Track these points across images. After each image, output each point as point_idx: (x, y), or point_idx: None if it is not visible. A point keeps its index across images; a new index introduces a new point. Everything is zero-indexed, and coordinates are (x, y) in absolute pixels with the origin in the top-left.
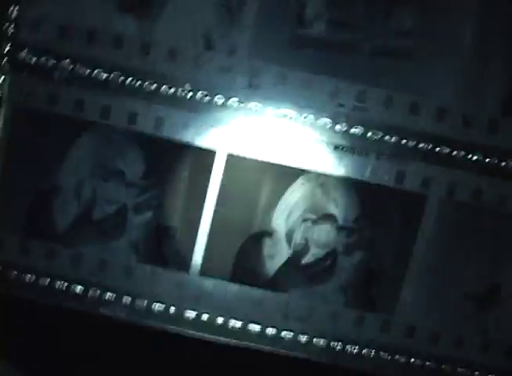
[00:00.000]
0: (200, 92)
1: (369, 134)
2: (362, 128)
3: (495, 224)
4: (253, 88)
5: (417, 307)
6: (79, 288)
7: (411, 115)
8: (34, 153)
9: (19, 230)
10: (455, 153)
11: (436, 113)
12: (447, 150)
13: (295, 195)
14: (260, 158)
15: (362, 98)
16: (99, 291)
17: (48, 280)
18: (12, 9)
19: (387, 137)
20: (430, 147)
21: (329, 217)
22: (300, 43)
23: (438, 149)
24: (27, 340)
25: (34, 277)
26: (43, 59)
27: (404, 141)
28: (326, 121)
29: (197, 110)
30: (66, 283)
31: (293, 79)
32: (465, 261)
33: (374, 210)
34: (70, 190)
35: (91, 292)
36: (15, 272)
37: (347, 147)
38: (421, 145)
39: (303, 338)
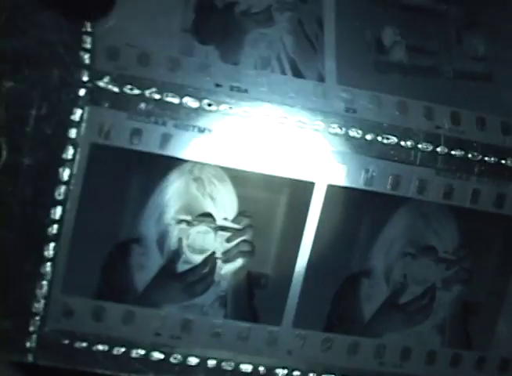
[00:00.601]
0: None
1: (469, 156)
2: (461, 151)
3: None
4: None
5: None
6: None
7: (504, 135)
8: (113, 198)
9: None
10: None
11: None
12: None
13: (396, 227)
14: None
15: (457, 119)
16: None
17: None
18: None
19: (486, 158)
20: None
21: (430, 249)
22: (386, 68)
23: None
24: None
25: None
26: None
27: (503, 161)
28: (426, 144)
29: None
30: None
31: (387, 103)
32: None
33: (473, 238)
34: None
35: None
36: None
37: (450, 171)
38: None
39: None
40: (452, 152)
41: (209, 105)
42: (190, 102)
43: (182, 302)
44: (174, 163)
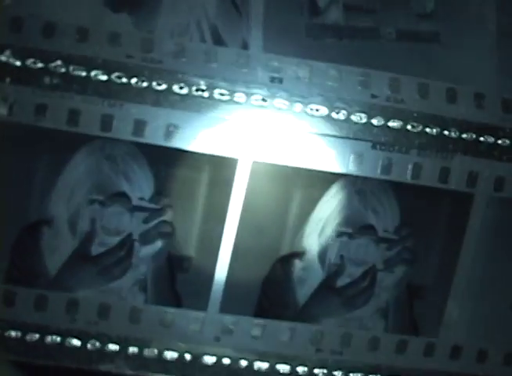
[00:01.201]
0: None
1: (409, 127)
2: (400, 122)
3: None
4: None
5: (463, 325)
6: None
7: (449, 104)
8: (20, 178)
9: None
10: (499, 142)
11: (474, 99)
12: (491, 140)
13: (329, 206)
14: (287, 163)
15: (397, 87)
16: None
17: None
18: None
19: (427, 129)
20: (473, 137)
21: (368, 229)
22: (318, 32)
23: (481, 138)
24: None
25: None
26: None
27: (446, 132)
28: (360, 115)
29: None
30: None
31: (317, 71)
32: None
33: (416, 216)
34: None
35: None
36: None
37: (386, 144)
38: (464, 135)
39: (338, 375)
40: (390, 123)
41: (119, 78)
42: (99, 75)
43: (98, 287)
44: (83, 140)
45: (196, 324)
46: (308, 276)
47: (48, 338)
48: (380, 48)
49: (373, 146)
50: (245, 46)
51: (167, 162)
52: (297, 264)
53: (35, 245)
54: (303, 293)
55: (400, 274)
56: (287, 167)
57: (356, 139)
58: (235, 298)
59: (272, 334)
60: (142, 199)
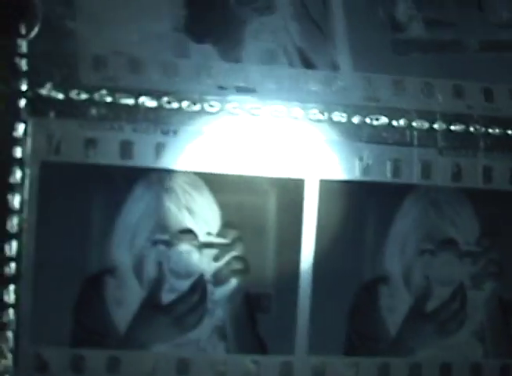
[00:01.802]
0: None
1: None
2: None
3: None
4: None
5: None
6: None
7: None
8: (75, 224)
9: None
10: None
11: None
12: None
13: (406, 222)
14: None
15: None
16: None
17: None
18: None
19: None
20: None
21: (449, 243)
22: (403, 48)
23: None
24: None
25: None
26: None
27: None
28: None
29: None
30: None
31: (410, 86)
32: None
33: (495, 223)
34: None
35: None
36: None
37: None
38: None
39: None
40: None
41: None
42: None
43: (174, 339)
44: (139, 174)
45: (285, 371)
46: (395, 303)
47: None
48: (466, 59)
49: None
50: (335, 67)
51: (231, 190)
52: (383, 290)
53: (100, 299)
54: (393, 322)
55: (490, 290)
56: (354, 182)
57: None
58: (321, 335)
59: (367, 371)
60: (209, 234)
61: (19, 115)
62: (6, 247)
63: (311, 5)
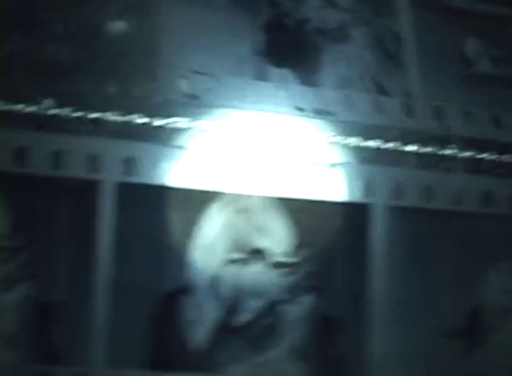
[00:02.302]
0: None
1: None
2: None
3: None
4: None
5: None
6: None
7: None
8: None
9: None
10: None
11: None
12: None
13: (212, 229)
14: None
15: None
16: None
17: None
18: None
19: None
20: None
21: (258, 253)
22: (472, 81)
23: None
24: None
25: None
26: None
27: None
28: None
29: None
30: None
31: (479, 118)
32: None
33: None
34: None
35: None
36: None
37: None
38: None
39: None
40: None
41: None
42: None
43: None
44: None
45: None
46: (199, 316)
47: None
48: None
49: None
50: (408, 95)
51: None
52: (185, 302)
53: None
54: (198, 336)
55: (302, 305)
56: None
57: None
58: (121, 347)
59: None
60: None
61: None
62: None
63: (384, 37)
